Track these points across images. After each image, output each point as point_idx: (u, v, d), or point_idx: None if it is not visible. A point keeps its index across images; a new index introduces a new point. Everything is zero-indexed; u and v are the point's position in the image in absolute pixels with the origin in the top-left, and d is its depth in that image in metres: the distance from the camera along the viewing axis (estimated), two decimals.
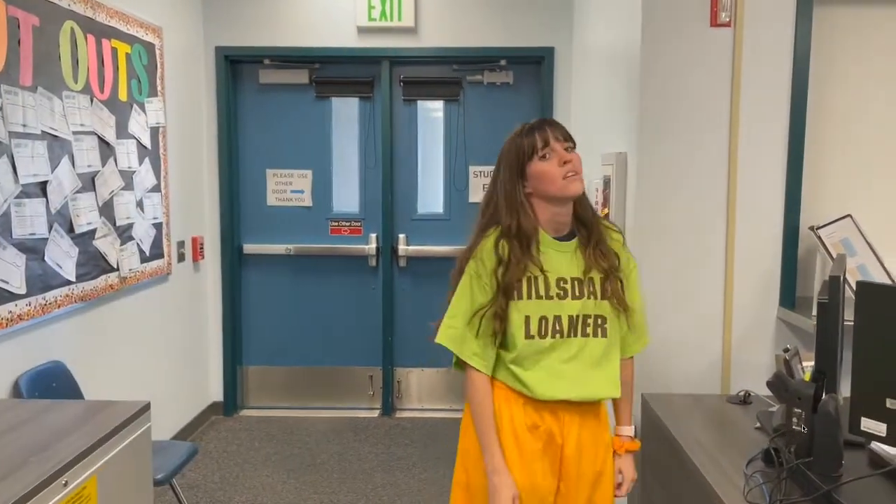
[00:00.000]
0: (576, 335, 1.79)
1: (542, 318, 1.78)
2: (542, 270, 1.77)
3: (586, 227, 1.83)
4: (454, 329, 1.80)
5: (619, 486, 1.92)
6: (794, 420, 1.54)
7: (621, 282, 1.83)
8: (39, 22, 2.70)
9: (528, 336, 1.78)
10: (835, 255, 2.43)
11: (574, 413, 1.85)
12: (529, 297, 1.77)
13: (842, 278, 1.54)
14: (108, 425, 1.88)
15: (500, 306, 1.75)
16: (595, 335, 1.81)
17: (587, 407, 1.86)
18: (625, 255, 1.89)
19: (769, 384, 2.00)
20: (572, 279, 1.80)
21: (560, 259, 1.81)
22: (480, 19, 4.28)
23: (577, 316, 1.79)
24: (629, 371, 1.99)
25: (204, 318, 4.44)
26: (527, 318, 1.77)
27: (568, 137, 1.78)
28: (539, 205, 1.80)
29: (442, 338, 1.81)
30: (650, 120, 2.52)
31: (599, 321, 1.80)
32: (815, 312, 2.38)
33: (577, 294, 1.79)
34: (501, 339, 1.81)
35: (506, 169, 1.80)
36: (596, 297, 1.80)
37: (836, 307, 1.51)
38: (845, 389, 1.64)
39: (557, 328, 1.78)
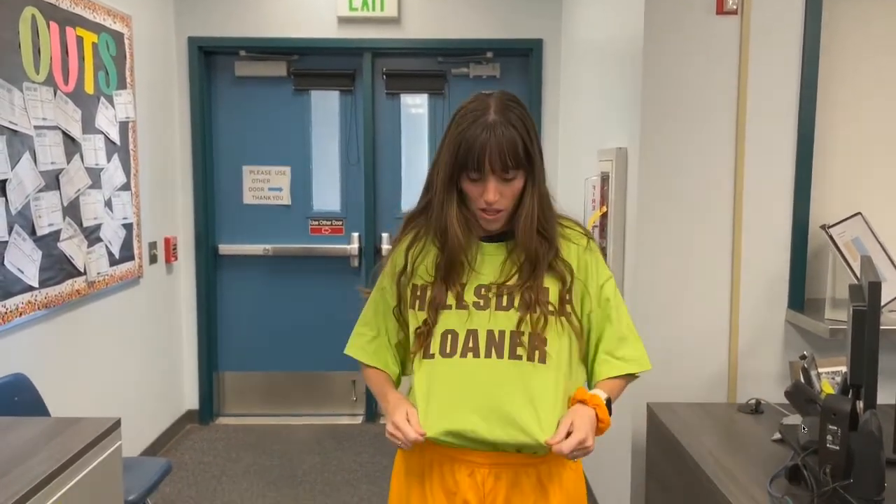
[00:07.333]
0: (500, 356, 1.39)
1: (448, 333, 1.42)
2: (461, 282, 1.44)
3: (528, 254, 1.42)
4: (363, 337, 1.59)
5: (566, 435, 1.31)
6: (830, 438, 1.41)
7: (570, 295, 1.44)
8: None
9: (427, 355, 1.43)
10: (847, 255, 2.33)
11: (501, 473, 1.41)
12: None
13: (880, 284, 1.42)
14: (75, 445, 1.77)
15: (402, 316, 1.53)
16: (531, 359, 1.38)
17: (520, 466, 1.42)
18: (590, 263, 1.48)
19: (788, 394, 1.89)
20: (498, 286, 1.42)
21: (486, 263, 1.45)
22: (466, 10, 4.12)
23: (502, 332, 1.40)
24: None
25: (177, 322, 4.23)
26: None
27: (510, 165, 1.36)
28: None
29: (350, 348, 1.61)
30: (652, 114, 2.39)
31: (536, 342, 1.38)
32: (827, 315, 2.33)
33: (505, 305, 1.41)
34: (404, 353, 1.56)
35: (444, 158, 1.44)
36: (532, 310, 1.39)
37: (875, 315, 1.39)
38: None
39: (471, 346, 1.40)
